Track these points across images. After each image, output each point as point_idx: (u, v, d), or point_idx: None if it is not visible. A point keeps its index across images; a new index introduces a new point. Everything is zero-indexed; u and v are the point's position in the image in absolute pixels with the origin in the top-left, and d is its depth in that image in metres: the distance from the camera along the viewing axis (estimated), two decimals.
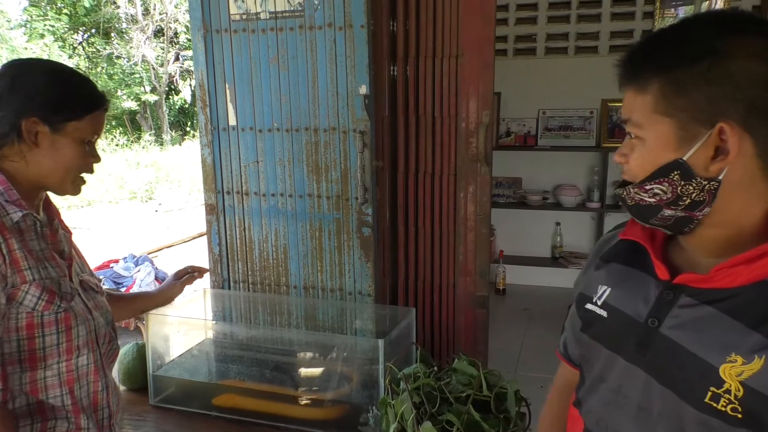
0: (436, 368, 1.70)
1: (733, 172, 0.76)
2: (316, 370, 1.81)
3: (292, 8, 1.91)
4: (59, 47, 16.18)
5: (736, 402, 0.74)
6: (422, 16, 1.97)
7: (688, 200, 0.78)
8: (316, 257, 2.05)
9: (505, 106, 4.96)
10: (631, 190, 0.82)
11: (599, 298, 0.93)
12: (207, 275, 1.99)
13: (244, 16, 1.96)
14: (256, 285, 2.14)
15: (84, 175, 1.26)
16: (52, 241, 1.22)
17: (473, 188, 2.00)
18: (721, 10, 0.85)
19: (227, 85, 2.03)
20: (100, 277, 3.65)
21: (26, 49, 14.45)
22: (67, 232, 1.31)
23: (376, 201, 1.98)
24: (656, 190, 0.79)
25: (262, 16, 1.95)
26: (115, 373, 1.78)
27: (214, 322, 2.06)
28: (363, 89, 1.88)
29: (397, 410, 1.53)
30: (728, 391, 0.74)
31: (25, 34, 15.63)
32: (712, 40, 0.74)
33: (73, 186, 1.24)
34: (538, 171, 5.06)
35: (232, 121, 2.05)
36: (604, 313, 0.91)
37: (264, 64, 1.98)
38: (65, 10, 16.57)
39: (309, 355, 1.85)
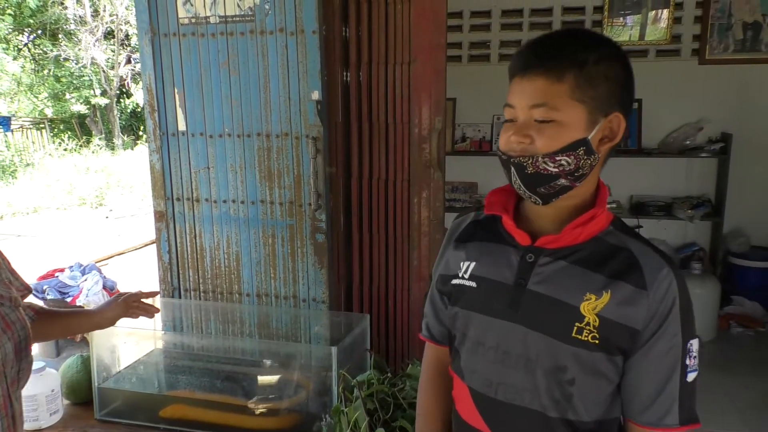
0: (390, 374, 1.70)
1: (603, 153, 0.97)
2: (269, 379, 1.78)
3: (242, 12, 1.89)
4: (3, 49, 15.57)
5: (595, 331, 0.94)
6: (374, 22, 1.97)
7: (581, 172, 0.95)
8: (269, 264, 2.03)
9: (461, 112, 5.01)
10: (540, 159, 0.93)
11: (464, 272, 1.06)
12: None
13: (193, 20, 1.93)
14: (208, 293, 2.10)
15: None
16: None
17: (426, 194, 2.01)
18: (588, 29, 1.08)
19: (176, 90, 1.99)
20: (44, 287, 3.52)
21: None
22: None
23: (330, 207, 1.97)
24: (563, 162, 0.93)
25: (212, 20, 1.92)
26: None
27: (163, 332, 2.00)
28: (315, 95, 1.87)
29: (350, 418, 1.53)
30: (588, 324, 0.94)
31: None
32: (601, 48, 0.94)
33: None
34: (493, 175, 5.11)
35: (182, 127, 2.01)
36: (473, 284, 1.05)
37: (214, 68, 1.95)
38: (9, 11, 15.96)
39: (261, 364, 1.82)
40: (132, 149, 16.45)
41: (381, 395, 1.61)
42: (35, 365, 1.68)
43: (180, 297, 2.12)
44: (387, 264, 2.10)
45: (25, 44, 17.38)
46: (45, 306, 1.50)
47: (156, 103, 2.00)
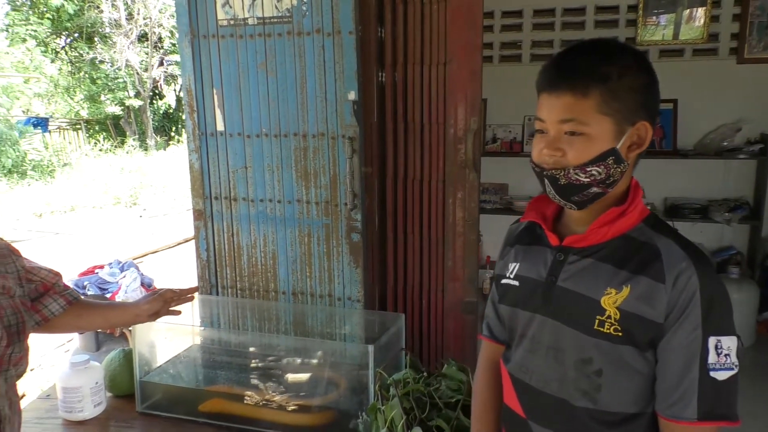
0: (425, 374, 1.70)
1: (632, 159, 1.03)
2: (305, 376, 1.80)
3: (280, 14, 1.91)
4: (41, 52, 16.00)
5: (616, 323, 0.99)
6: (410, 23, 1.98)
7: (612, 179, 1.01)
8: (305, 263, 2.05)
9: (491, 113, 4.99)
10: (571, 171, 1.00)
11: (511, 272, 1.17)
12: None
13: (232, 22, 1.96)
14: (245, 291, 2.13)
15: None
16: None
17: (462, 194, 2.01)
18: (610, 39, 1.07)
19: (215, 91, 2.03)
20: (85, 283, 3.61)
21: (8, 53, 14.28)
22: None
23: (365, 207, 1.98)
24: (594, 172, 1.00)
25: (250, 21, 1.95)
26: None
27: (202, 327, 2.04)
28: (352, 95, 1.88)
29: (387, 416, 1.53)
30: (609, 317, 1.00)
31: (6, 38, 15.44)
32: (624, 59, 0.99)
33: None
34: (525, 177, 5.08)
35: (220, 127, 2.04)
36: (516, 283, 1.15)
37: (252, 69, 1.98)
38: (47, 15, 16.39)
39: (298, 361, 1.84)
40: (164, 150, 16.75)
41: (417, 394, 1.61)
42: (80, 358, 1.74)
43: (217, 294, 2.15)
44: (421, 264, 2.11)
45: (63, 47, 17.84)
46: (85, 298, 1.56)
47: (195, 104, 2.04)
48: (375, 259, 2.11)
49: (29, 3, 16.65)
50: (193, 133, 2.07)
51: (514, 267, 1.17)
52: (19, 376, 1.33)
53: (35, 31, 15.84)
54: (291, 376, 1.84)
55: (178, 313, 1.66)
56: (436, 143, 2.02)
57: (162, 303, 1.60)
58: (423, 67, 1.98)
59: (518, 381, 1.15)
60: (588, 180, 1.00)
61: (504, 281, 1.19)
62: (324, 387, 1.77)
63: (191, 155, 2.09)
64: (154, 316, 1.60)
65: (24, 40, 15.47)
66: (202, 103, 2.04)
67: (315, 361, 1.83)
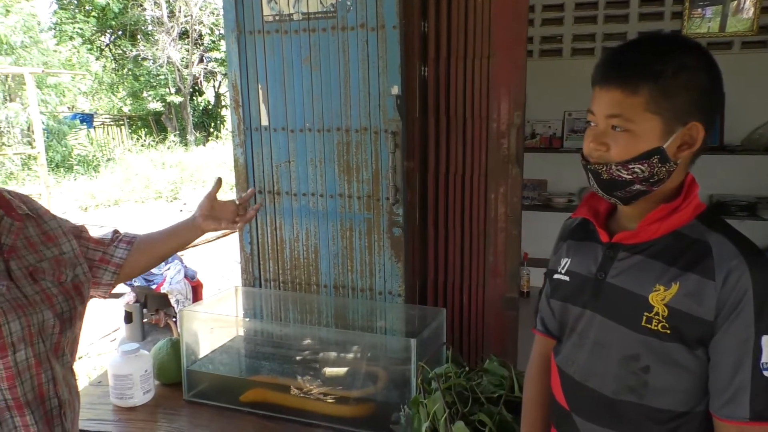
0: (466, 369, 1.70)
1: (684, 158, 1.01)
2: (346, 368, 1.82)
3: (324, 9, 1.93)
4: (87, 50, 16.46)
5: (664, 320, 0.98)
6: (454, 17, 1.97)
7: (656, 178, 1.00)
8: (347, 257, 2.07)
9: (531, 108, 4.90)
10: (613, 167, 1.01)
11: (563, 268, 1.18)
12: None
13: (277, 18, 1.99)
14: (287, 284, 2.16)
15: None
16: None
17: (504, 189, 2.00)
18: (675, 34, 1.08)
19: (260, 86, 2.05)
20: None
21: (56, 51, 14.74)
22: (17, 221, 1.29)
23: (407, 201, 1.99)
24: (636, 169, 0.99)
25: (295, 17, 1.97)
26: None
27: (246, 319, 2.08)
28: (395, 90, 1.89)
29: (429, 409, 1.54)
30: (657, 314, 0.99)
31: (54, 36, 15.93)
32: (683, 57, 0.97)
33: None
34: (564, 173, 5.01)
35: (265, 122, 2.07)
36: (567, 278, 1.17)
37: (296, 64, 2.00)
38: (93, 13, 16.86)
39: (340, 353, 1.86)
40: (204, 145, 17.07)
41: (458, 389, 1.61)
42: (130, 346, 1.79)
43: (261, 286, 2.19)
44: (462, 259, 2.10)
45: (107, 45, 18.31)
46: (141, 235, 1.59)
47: (241, 99, 2.08)
48: (416, 254, 2.12)
49: (76, 2, 17.14)
50: (238, 128, 2.10)
51: (565, 262, 1.18)
52: (74, 360, 1.38)
53: (81, 29, 16.31)
54: (332, 368, 1.86)
55: (244, 217, 1.65)
56: (479, 137, 2.01)
57: (210, 204, 1.61)
58: (466, 61, 1.97)
59: (564, 374, 1.17)
60: (630, 177, 1.00)
61: (556, 276, 1.20)
62: (365, 379, 1.78)
63: (236, 150, 2.13)
64: (213, 222, 1.60)
65: (71, 38, 15.95)
66: (248, 99, 2.07)
67: (356, 353, 1.84)
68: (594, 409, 1.10)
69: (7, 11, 13.90)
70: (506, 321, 2.07)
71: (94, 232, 1.53)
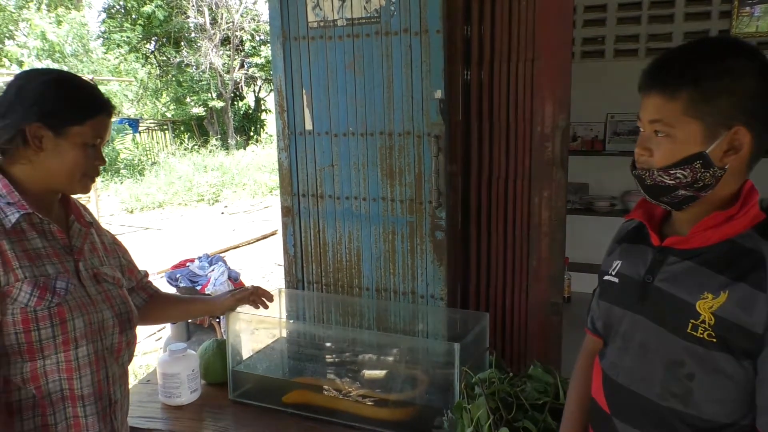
0: (510, 374, 1.69)
1: (734, 163, 0.99)
2: (389, 371, 1.83)
3: (368, 15, 1.94)
4: (134, 58, 16.95)
5: (710, 329, 0.96)
6: (497, 20, 1.96)
7: (701, 184, 0.99)
8: (389, 260, 2.07)
9: (572, 110, 4.84)
10: (655, 172, 1.01)
11: (613, 270, 1.17)
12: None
13: (322, 24, 2.01)
14: (330, 286, 2.18)
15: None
16: (61, 237, 1.29)
17: (548, 193, 1.97)
18: (726, 37, 1.06)
19: (304, 91, 2.08)
20: (177, 276, 3.81)
21: (104, 59, 15.22)
22: (84, 227, 1.37)
23: (450, 205, 1.98)
24: (678, 175, 0.99)
25: (339, 23, 1.99)
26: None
27: (290, 321, 2.10)
28: (438, 94, 1.89)
29: (473, 415, 1.53)
30: (704, 321, 0.97)
31: (103, 44, 16.47)
32: (728, 60, 0.96)
33: (81, 186, 1.31)
34: (606, 176, 4.92)
35: (309, 126, 2.10)
36: (616, 280, 1.16)
37: (340, 69, 2.02)
38: (139, 21, 17.37)
39: (382, 356, 1.86)
40: (244, 149, 17.36)
41: (502, 395, 1.60)
42: (178, 346, 1.83)
43: (303, 289, 2.21)
44: (505, 263, 2.09)
45: (152, 52, 18.82)
46: (168, 291, 1.76)
47: (285, 104, 2.11)
48: (458, 258, 2.11)
49: (123, 11, 17.68)
50: (282, 132, 2.13)
51: (617, 265, 1.17)
52: (129, 361, 1.43)
53: (128, 37, 16.82)
54: (374, 371, 1.87)
55: (265, 306, 1.81)
56: (522, 141, 1.99)
57: (237, 304, 1.77)
58: (510, 64, 1.96)
59: (607, 376, 1.15)
60: (673, 182, 1.00)
61: (606, 278, 1.20)
62: (407, 383, 1.78)
63: (280, 154, 2.16)
64: (230, 310, 1.79)
65: (119, 46, 16.46)
66: (292, 103, 2.11)
67: (398, 357, 1.85)
68: (636, 413, 1.09)
69: (60, 21, 14.44)
70: (550, 326, 2.04)
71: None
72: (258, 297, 1.79)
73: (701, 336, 0.97)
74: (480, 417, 1.52)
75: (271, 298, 1.82)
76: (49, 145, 1.22)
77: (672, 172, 0.99)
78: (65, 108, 1.22)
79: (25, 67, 13.44)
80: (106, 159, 1.39)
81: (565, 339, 2.09)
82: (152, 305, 1.63)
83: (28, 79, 1.24)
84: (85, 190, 1.33)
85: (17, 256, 1.18)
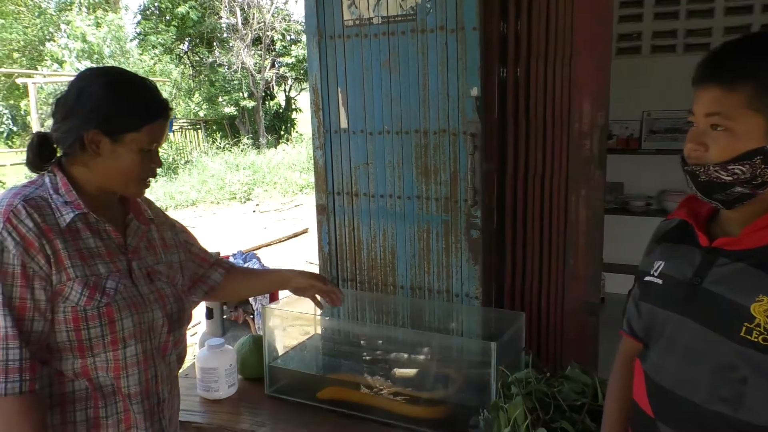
0: (547, 374, 1.67)
1: None
2: (424, 370, 1.83)
3: (404, 12, 1.95)
4: (169, 59, 17.26)
5: (766, 332, 0.93)
6: (534, 17, 1.94)
7: (760, 180, 0.96)
8: (424, 258, 2.07)
9: None
10: (711, 168, 0.97)
11: (655, 270, 1.13)
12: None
13: (357, 22, 2.02)
14: (364, 284, 2.19)
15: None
16: (115, 236, 1.31)
17: (585, 192, 1.95)
18: None
19: (339, 89, 2.10)
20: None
21: (140, 59, 15.53)
22: (143, 224, 1.39)
23: (485, 203, 1.97)
24: (736, 170, 0.96)
25: (375, 21, 2.00)
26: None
27: (326, 318, 2.11)
28: (474, 91, 1.88)
29: (510, 415, 1.52)
30: (759, 325, 0.94)
31: (138, 46, 16.81)
32: None
33: (137, 188, 1.33)
34: (642, 175, 4.83)
35: (344, 124, 2.11)
36: (659, 281, 1.12)
37: (375, 67, 2.03)
38: (174, 23, 17.68)
39: (417, 355, 1.86)
40: (275, 148, 17.51)
41: (539, 395, 1.59)
42: (215, 341, 1.86)
43: (338, 286, 2.22)
44: (541, 263, 2.07)
45: (185, 52, 19.13)
46: (238, 266, 1.74)
47: (321, 102, 2.12)
48: (493, 256, 2.10)
49: (158, 12, 18.01)
50: (318, 130, 2.15)
51: (659, 265, 1.14)
52: (180, 360, 1.46)
53: (163, 38, 17.13)
54: (409, 369, 1.87)
55: (320, 306, 1.75)
56: (560, 139, 1.97)
57: (311, 284, 1.69)
58: (547, 61, 1.94)
59: (650, 380, 1.12)
60: (730, 179, 0.97)
61: (647, 279, 1.16)
62: (442, 381, 1.78)
63: (316, 152, 2.18)
64: (299, 291, 1.71)
65: (154, 47, 16.79)
66: (327, 102, 2.12)
67: (433, 355, 1.84)
68: (681, 417, 1.06)
69: (98, 24, 14.80)
70: (586, 327, 2.02)
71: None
72: (331, 295, 1.72)
73: (756, 340, 0.94)
74: (517, 417, 1.51)
75: (339, 303, 1.74)
76: (106, 151, 1.24)
77: (730, 167, 0.96)
78: (122, 115, 1.23)
79: (66, 67, 13.83)
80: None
81: (602, 339, 2.06)
82: (230, 279, 1.66)
83: (89, 81, 1.24)
84: (140, 192, 1.35)
85: (70, 256, 1.21)
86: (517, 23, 1.98)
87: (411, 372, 1.85)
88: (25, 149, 1.31)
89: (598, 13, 1.85)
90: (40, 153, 1.28)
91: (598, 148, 1.91)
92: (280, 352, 1.99)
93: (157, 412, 1.36)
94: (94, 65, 13.68)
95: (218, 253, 1.71)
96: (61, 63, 14.24)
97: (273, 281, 1.76)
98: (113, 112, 1.22)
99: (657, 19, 4.53)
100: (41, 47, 16.26)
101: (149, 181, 1.35)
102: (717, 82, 0.96)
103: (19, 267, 1.16)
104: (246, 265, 3.68)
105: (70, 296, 1.20)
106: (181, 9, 17.20)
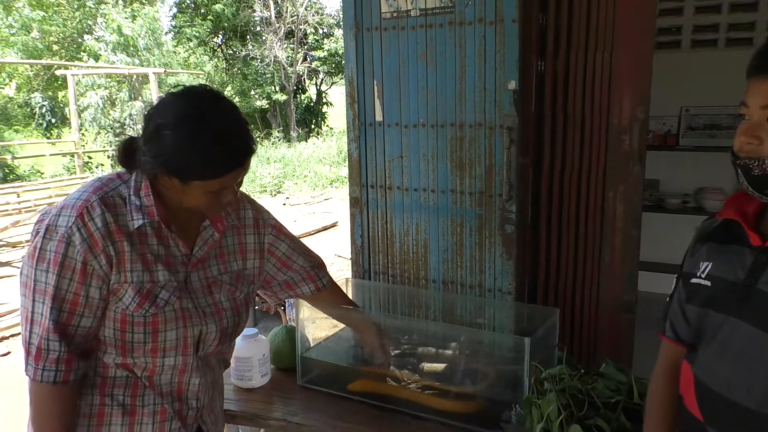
0: (581, 371, 1.65)
1: None
2: (456, 364, 1.82)
3: (442, 5, 1.93)
4: (203, 52, 17.49)
5: None
6: (575, 9, 1.91)
7: None
8: (457, 253, 2.06)
9: None
10: (766, 161, 0.95)
11: (702, 272, 1.10)
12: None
13: (395, 14, 2.02)
14: (396, 277, 2.19)
15: None
16: (182, 246, 1.31)
17: (623, 188, 1.92)
18: None
19: (375, 82, 2.09)
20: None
21: (175, 52, 15.77)
22: (218, 232, 1.37)
23: (520, 198, 1.95)
24: None
25: (413, 13, 1.99)
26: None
27: (360, 309, 2.12)
28: (512, 84, 1.86)
29: (543, 411, 1.51)
30: None
31: (174, 39, 17.06)
32: None
33: (212, 215, 1.34)
34: (679, 173, 4.73)
35: (379, 117, 2.11)
36: (708, 283, 1.08)
37: (412, 60, 2.02)
38: (209, 16, 17.89)
39: (449, 349, 1.86)
40: (306, 141, 17.63)
41: (572, 391, 1.57)
42: (249, 331, 1.88)
43: (370, 279, 2.23)
44: (576, 259, 2.04)
45: (219, 45, 19.35)
46: (338, 291, 1.78)
47: (356, 95, 2.13)
48: (527, 252, 2.08)
49: (193, 6, 18.24)
50: (353, 123, 2.15)
51: (705, 266, 1.10)
52: (226, 365, 1.52)
53: (198, 32, 17.36)
54: (441, 363, 1.86)
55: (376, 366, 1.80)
56: (598, 134, 1.94)
57: (374, 347, 1.76)
58: (587, 55, 1.91)
59: (701, 384, 1.09)
60: None
61: (694, 281, 1.12)
62: (475, 376, 1.77)
63: (350, 145, 2.18)
64: (363, 343, 1.79)
65: (189, 40, 17.02)
66: (363, 94, 2.12)
67: (465, 350, 1.83)
68: (734, 423, 1.03)
69: (134, 16, 15.05)
70: (622, 324, 1.99)
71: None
72: (382, 359, 1.78)
73: None
74: (550, 413, 1.49)
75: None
76: (176, 187, 1.23)
77: None
78: (190, 167, 1.19)
79: (102, 62, 14.11)
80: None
81: (636, 337, 2.03)
82: (317, 298, 1.70)
83: (167, 119, 1.18)
84: (217, 215, 1.35)
85: (132, 259, 1.22)
86: (557, 15, 1.95)
87: (443, 366, 1.85)
88: (110, 146, 1.31)
89: (641, 5, 1.81)
90: (126, 158, 1.27)
91: (638, 144, 1.87)
92: (312, 343, 2.00)
93: (194, 417, 1.39)
94: (132, 60, 13.91)
95: (319, 264, 1.69)
96: (97, 58, 14.54)
97: (351, 321, 1.81)
98: (181, 162, 1.18)
99: (698, 12, 4.42)
100: (80, 39, 16.63)
101: (222, 212, 1.35)
102: None
103: (81, 263, 1.18)
104: None
105: (123, 298, 1.23)
106: (218, 6, 17.39)
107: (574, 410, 1.51)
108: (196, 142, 1.17)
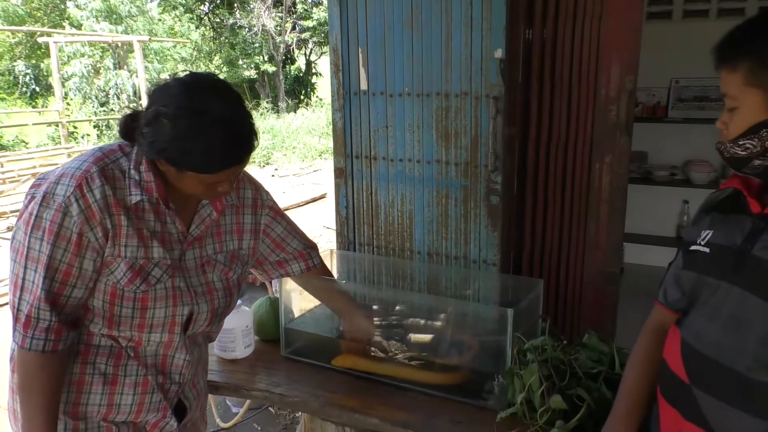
0: (564, 342, 1.66)
1: None
2: (439, 336, 1.82)
3: None
4: (188, 19, 17.14)
5: None
6: None
7: None
8: (442, 224, 2.05)
9: None
10: (728, 145, 1.04)
11: (702, 239, 1.13)
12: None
13: None
14: (381, 248, 2.18)
15: None
16: (179, 224, 1.29)
17: (610, 159, 1.90)
18: None
19: (360, 50, 2.05)
20: None
21: (160, 20, 15.45)
22: (216, 212, 1.36)
23: (506, 169, 1.93)
24: (747, 145, 1.01)
25: None
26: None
27: (342, 282, 2.11)
28: (498, 53, 1.82)
29: (525, 381, 1.51)
30: None
31: (159, 5, 16.69)
32: None
33: (208, 199, 1.32)
34: (667, 145, 4.72)
35: (364, 86, 2.07)
36: (706, 250, 1.12)
37: (397, 27, 1.97)
38: None
39: (432, 320, 1.86)
40: (294, 112, 17.45)
41: (555, 362, 1.57)
42: None
43: (355, 250, 2.22)
44: (561, 230, 2.03)
45: (206, 13, 18.96)
46: (327, 274, 1.76)
47: (341, 63, 2.08)
48: (513, 223, 2.07)
49: None
50: (337, 92, 2.11)
51: (706, 234, 1.13)
52: (210, 340, 1.56)
53: None
54: (424, 335, 1.86)
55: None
56: (585, 104, 1.92)
57: (360, 333, 1.76)
58: (575, 22, 1.87)
59: (688, 345, 1.10)
60: (745, 153, 1.02)
61: (693, 248, 1.15)
62: (458, 347, 1.77)
63: (335, 114, 2.14)
64: (349, 329, 1.79)
65: (174, 8, 16.66)
66: (347, 63, 2.07)
67: (450, 321, 1.83)
68: (721, 385, 1.04)
69: None
70: (606, 296, 1.99)
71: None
72: (365, 346, 1.78)
73: None
74: (532, 383, 1.50)
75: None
76: (172, 172, 1.21)
77: (741, 143, 1.01)
78: (186, 158, 1.17)
79: (84, 30, 13.80)
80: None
81: (620, 309, 2.04)
82: (306, 277, 1.70)
83: (167, 107, 1.15)
84: (214, 199, 1.33)
85: (128, 234, 1.21)
86: None
87: (427, 337, 1.84)
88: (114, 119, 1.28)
89: None
90: (126, 133, 1.25)
91: (625, 114, 1.85)
92: (297, 314, 1.99)
93: (173, 391, 1.39)
94: (115, 28, 13.61)
95: (312, 245, 1.69)
96: (79, 26, 14.22)
97: (338, 306, 1.79)
98: (177, 153, 1.16)
99: None
100: (62, 6, 16.24)
101: (219, 198, 1.33)
102: (723, 64, 1.02)
103: (76, 235, 1.16)
104: None
105: (115, 272, 1.22)
106: None
107: (555, 380, 1.51)
108: (194, 136, 1.15)
